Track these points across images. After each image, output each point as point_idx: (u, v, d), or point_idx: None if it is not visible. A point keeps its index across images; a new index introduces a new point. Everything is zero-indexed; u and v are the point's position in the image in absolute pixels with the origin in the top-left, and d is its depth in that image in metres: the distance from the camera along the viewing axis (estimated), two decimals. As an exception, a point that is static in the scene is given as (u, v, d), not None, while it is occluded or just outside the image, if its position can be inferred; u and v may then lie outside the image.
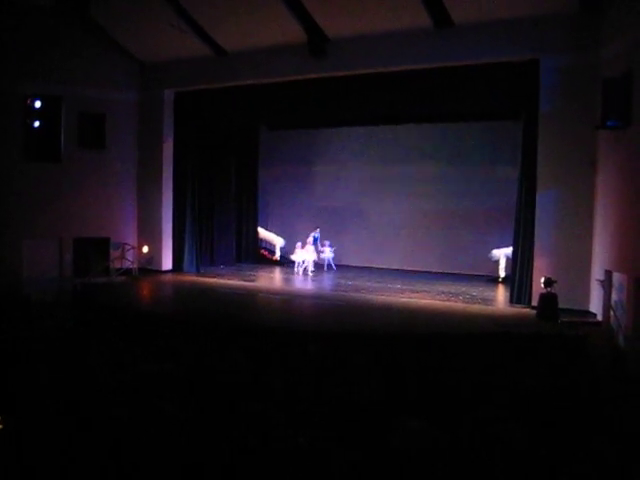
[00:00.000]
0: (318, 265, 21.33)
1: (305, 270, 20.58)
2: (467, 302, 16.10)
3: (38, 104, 18.94)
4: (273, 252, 24.21)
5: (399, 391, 5.14)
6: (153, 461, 3.45)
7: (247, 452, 3.36)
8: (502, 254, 19.43)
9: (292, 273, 20.75)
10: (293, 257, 21.08)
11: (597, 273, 14.09)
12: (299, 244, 20.94)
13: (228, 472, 3.26)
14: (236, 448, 3.38)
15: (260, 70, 18.52)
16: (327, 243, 21.62)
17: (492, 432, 3.36)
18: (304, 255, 20.69)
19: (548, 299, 13.98)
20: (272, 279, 20.83)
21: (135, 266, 20.53)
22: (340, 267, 21.90)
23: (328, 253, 21.54)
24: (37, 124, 19.03)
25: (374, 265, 21.30)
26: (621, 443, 3.83)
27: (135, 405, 3.98)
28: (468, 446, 3.35)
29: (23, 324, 9.93)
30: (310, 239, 21.04)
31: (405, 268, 21.67)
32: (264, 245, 24.78)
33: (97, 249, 20.06)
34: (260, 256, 24.29)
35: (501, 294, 17.72)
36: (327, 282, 19.39)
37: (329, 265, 21.67)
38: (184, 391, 4.87)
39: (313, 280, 19.60)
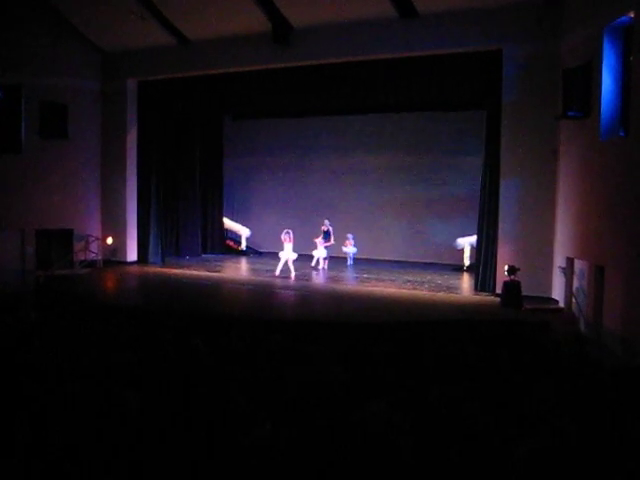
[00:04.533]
0: (343, 259, 20.93)
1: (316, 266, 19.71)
2: (432, 290, 16.23)
3: (-5, 93, 18.47)
4: (239, 242, 24.12)
5: (364, 377, 5.19)
6: (117, 453, 3.43)
7: (210, 440, 3.36)
8: (467, 242, 19.63)
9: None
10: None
11: (559, 260, 14.35)
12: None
13: (191, 461, 3.26)
14: (198, 437, 3.38)
15: (224, 59, 18.37)
16: (350, 237, 20.96)
17: (455, 412, 3.42)
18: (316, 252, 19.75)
19: (512, 286, 14.19)
20: (238, 269, 20.77)
21: (99, 258, 20.30)
22: (305, 257, 21.70)
23: (350, 248, 20.89)
24: (-5, 114, 18.54)
25: (340, 255, 21.33)
26: (584, 422, 3.93)
27: (98, 395, 3.95)
28: (432, 426, 3.41)
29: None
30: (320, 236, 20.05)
31: (371, 257, 21.75)
32: (230, 235, 24.68)
33: (60, 241, 19.76)
34: (226, 246, 24.20)
35: (466, 282, 17.91)
36: (295, 272, 19.30)
37: (353, 259, 21.12)
38: (147, 381, 4.85)
39: (280, 270, 19.51)
